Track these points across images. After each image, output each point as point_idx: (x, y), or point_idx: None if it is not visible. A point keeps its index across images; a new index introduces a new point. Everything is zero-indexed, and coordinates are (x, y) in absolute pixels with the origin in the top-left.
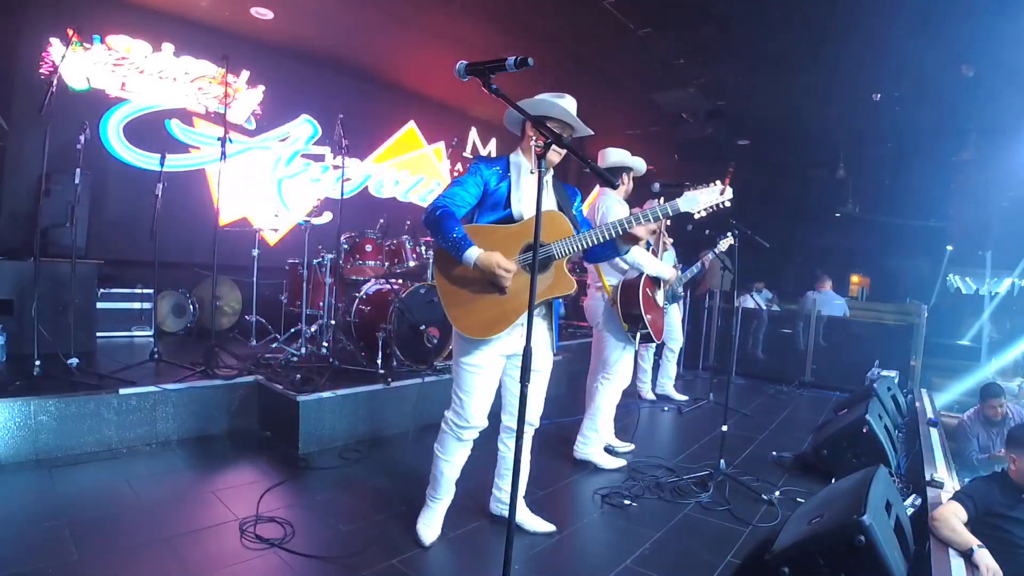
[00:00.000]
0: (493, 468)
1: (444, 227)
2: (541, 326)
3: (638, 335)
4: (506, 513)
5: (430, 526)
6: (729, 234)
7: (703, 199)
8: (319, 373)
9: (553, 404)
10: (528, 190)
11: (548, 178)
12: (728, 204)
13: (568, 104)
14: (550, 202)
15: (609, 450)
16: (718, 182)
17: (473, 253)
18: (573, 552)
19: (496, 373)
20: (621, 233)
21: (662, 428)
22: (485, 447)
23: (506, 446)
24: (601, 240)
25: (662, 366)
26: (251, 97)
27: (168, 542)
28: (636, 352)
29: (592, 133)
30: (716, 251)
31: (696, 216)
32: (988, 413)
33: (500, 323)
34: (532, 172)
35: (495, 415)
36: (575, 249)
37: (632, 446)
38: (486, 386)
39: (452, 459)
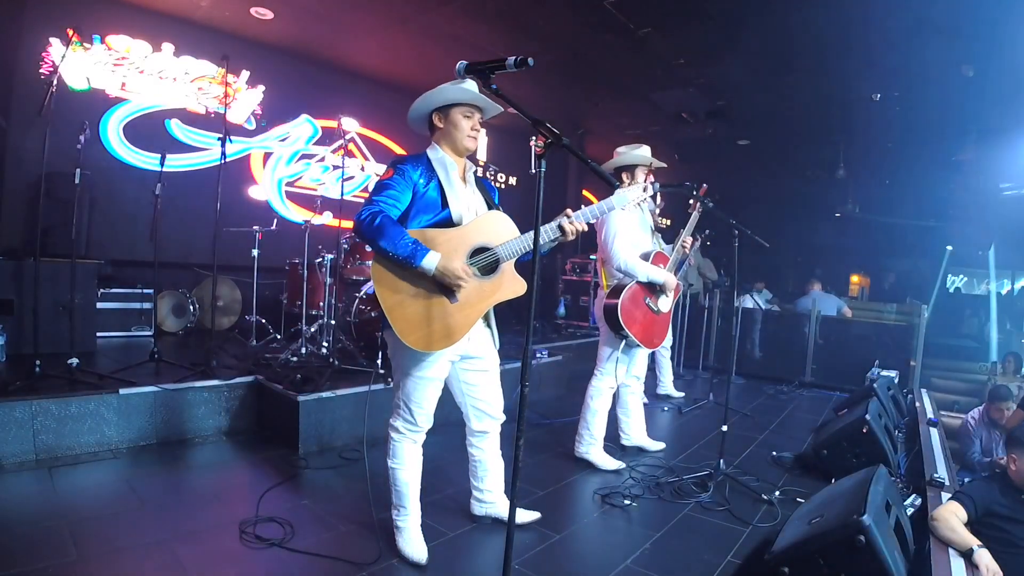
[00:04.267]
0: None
1: (390, 234)
2: (484, 331)
3: (622, 342)
4: (489, 512)
5: (413, 543)
6: (698, 204)
7: (631, 195)
8: (319, 373)
9: (553, 404)
10: (462, 190)
11: (470, 175)
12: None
13: (468, 85)
14: (478, 202)
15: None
16: (639, 180)
17: (433, 260)
18: (573, 552)
19: (445, 377)
20: (559, 233)
21: (662, 428)
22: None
23: (479, 448)
24: (549, 238)
25: (659, 365)
26: (251, 97)
27: (168, 542)
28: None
29: (501, 110)
30: (688, 227)
31: (625, 209)
32: (994, 415)
33: (454, 333)
34: (468, 173)
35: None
36: (521, 250)
37: (662, 445)
38: (437, 393)
39: (409, 465)
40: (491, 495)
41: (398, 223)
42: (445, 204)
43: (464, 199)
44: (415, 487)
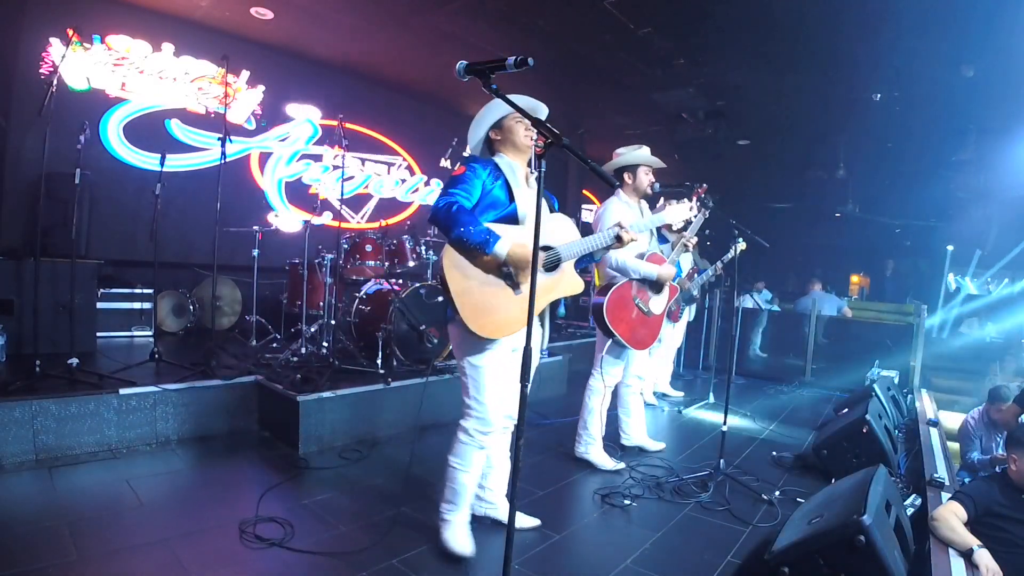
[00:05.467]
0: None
1: (466, 221)
2: (537, 328)
3: (608, 340)
4: (488, 513)
5: (459, 537)
6: (741, 240)
7: (681, 213)
8: (319, 373)
9: (553, 404)
10: (526, 190)
11: (532, 179)
12: (696, 217)
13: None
14: (543, 206)
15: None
16: (687, 200)
17: (505, 245)
18: (573, 552)
19: (509, 369)
20: (615, 239)
21: (662, 428)
22: None
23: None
24: (603, 244)
25: (660, 364)
26: (251, 97)
27: (168, 542)
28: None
29: (547, 111)
30: (726, 258)
31: (675, 227)
32: (994, 416)
33: (517, 322)
34: (532, 172)
35: None
36: (580, 251)
37: (662, 445)
38: (504, 385)
39: (472, 469)
40: (492, 495)
41: (473, 212)
42: (511, 201)
43: (528, 198)
44: (473, 488)
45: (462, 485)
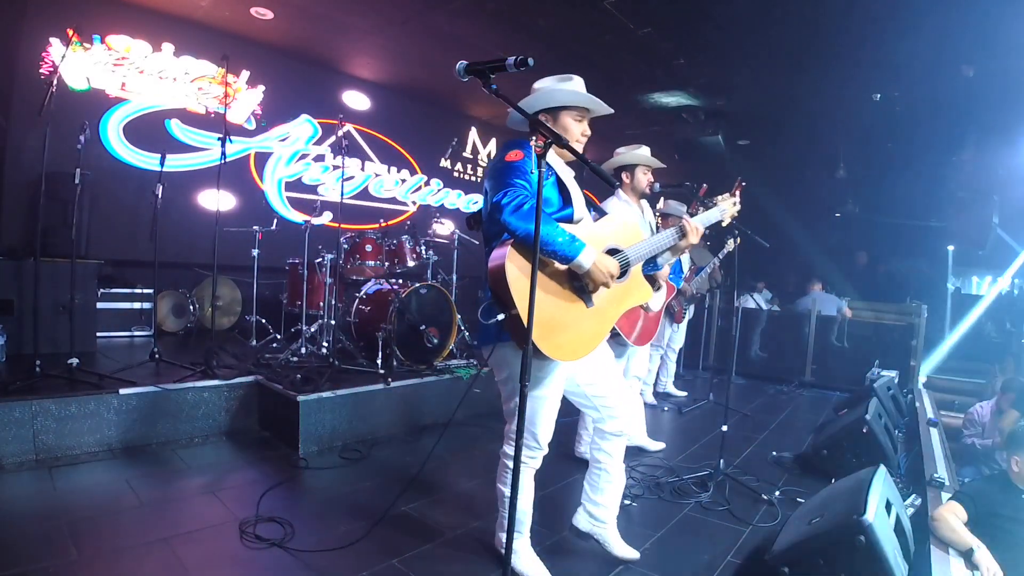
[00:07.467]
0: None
1: (545, 224)
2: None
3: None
4: (595, 532)
5: (534, 565)
6: (733, 238)
7: (729, 209)
8: (319, 373)
9: None
10: (577, 190)
11: (571, 177)
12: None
13: (576, 85)
14: (583, 204)
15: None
16: (728, 195)
17: (590, 254)
18: (573, 552)
19: (560, 388)
20: (679, 237)
21: (662, 428)
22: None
23: (606, 453)
24: (670, 243)
25: (664, 365)
26: (251, 97)
27: (168, 542)
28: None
29: (611, 111)
30: (721, 255)
31: (724, 220)
32: (1004, 405)
33: (592, 340)
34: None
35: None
36: (648, 253)
37: (662, 445)
38: (556, 409)
39: (525, 492)
40: (606, 513)
41: None
42: (567, 202)
43: (581, 200)
44: (531, 512)
45: (523, 512)
